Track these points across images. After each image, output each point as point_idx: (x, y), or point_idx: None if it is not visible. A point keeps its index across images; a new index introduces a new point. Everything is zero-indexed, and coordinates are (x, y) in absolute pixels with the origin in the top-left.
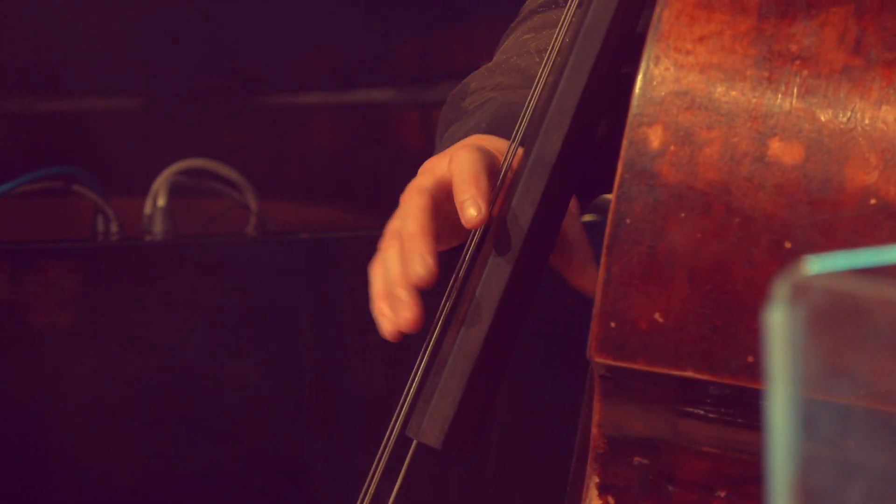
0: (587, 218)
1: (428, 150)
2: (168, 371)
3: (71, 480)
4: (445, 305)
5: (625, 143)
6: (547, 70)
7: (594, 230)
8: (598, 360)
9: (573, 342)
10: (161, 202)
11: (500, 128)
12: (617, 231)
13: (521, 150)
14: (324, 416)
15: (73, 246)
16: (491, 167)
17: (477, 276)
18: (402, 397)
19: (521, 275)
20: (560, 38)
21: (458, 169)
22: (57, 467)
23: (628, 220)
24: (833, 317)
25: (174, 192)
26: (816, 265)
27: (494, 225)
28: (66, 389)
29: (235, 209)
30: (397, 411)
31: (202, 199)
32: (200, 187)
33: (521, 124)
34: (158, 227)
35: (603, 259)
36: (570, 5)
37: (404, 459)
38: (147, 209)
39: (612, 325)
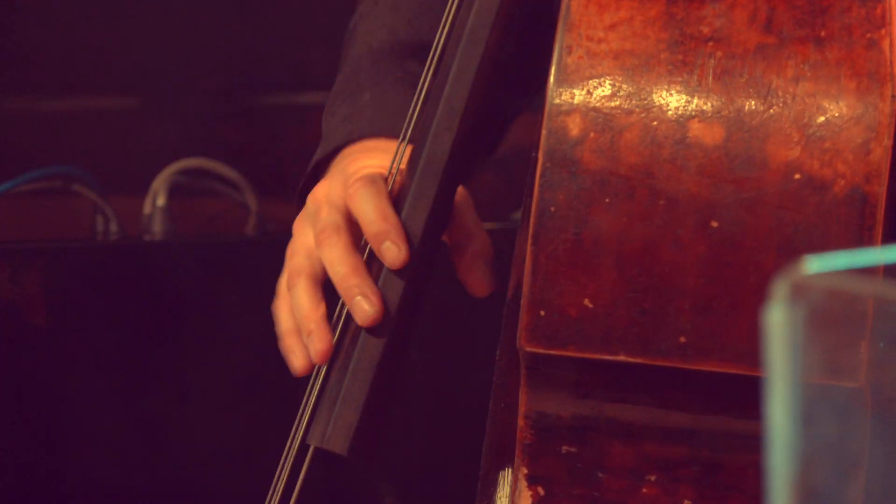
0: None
1: None
2: (168, 370)
3: (70, 480)
4: (343, 311)
5: (544, 132)
6: (432, 67)
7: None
8: (529, 349)
9: (475, 338)
10: (160, 202)
11: (375, 124)
12: (542, 220)
13: (408, 150)
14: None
15: (73, 245)
16: (386, 190)
17: (374, 280)
18: (302, 405)
19: (417, 275)
20: (443, 36)
21: (364, 212)
22: (56, 466)
23: (553, 209)
24: (831, 316)
25: (173, 191)
26: (815, 265)
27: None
28: (66, 389)
29: (235, 209)
30: (297, 419)
31: (201, 198)
32: (200, 187)
33: (408, 125)
34: (158, 227)
35: (529, 248)
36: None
37: (307, 467)
38: (146, 209)
39: (542, 313)
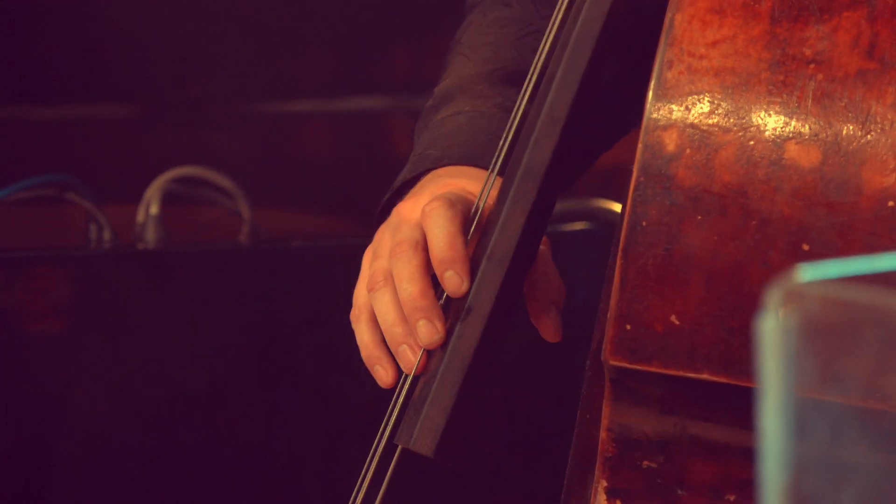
0: (580, 226)
1: None
2: (161, 378)
3: (65, 487)
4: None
5: (640, 146)
6: (531, 85)
7: (590, 238)
8: (613, 362)
9: (561, 346)
10: (154, 210)
11: (466, 152)
12: (633, 234)
13: (498, 180)
14: (317, 422)
15: (66, 253)
16: (464, 214)
17: (472, 276)
18: (391, 405)
19: (510, 282)
20: (545, 47)
21: (434, 235)
22: (50, 474)
23: (644, 223)
24: (826, 324)
25: (167, 199)
26: (809, 273)
27: (483, 234)
28: (60, 397)
29: (228, 217)
30: (385, 419)
31: (195, 206)
32: (193, 195)
33: (498, 155)
34: (151, 235)
35: (619, 262)
36: (557, 11)
37: (394, 467)
38: (140, 217)
39: (628, 327)
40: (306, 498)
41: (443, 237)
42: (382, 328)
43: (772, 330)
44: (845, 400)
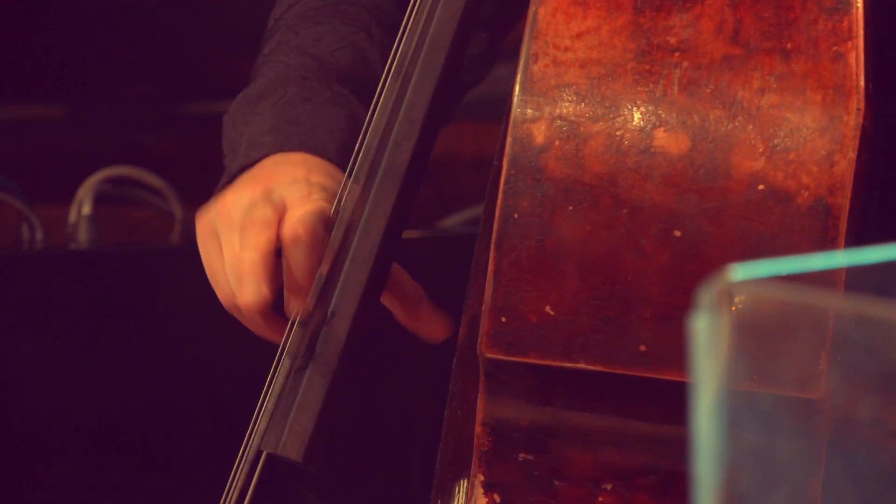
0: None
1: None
2: (94, 379)
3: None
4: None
5: (509, 139)
6: (388, 83)
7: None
8: (490, 355)
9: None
10: (86, 210)
11: (306, 140)
12: (505, 226)
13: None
14: (239, 417)
15: None
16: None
17: (330, 288)
18: (257, 411)
19: (374, 284)
20: (400, 49)
21: (296, 261)
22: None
23: (516, 215)
24: (757, 322)
25: (99, 200)
26: (740, 272)
27: (344, 238)
28: None
29: (160, 217)
30: (251, 425)
31: (127, 207)
32: (125, 195)
33: (354, 160)
34: (83, 235)
35: (492, 254)
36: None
37: (260, 473)
38: (72, 217)
39: (503, 319)
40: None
41: (303, 267)
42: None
43: (704, 328)
44: (777, 391)
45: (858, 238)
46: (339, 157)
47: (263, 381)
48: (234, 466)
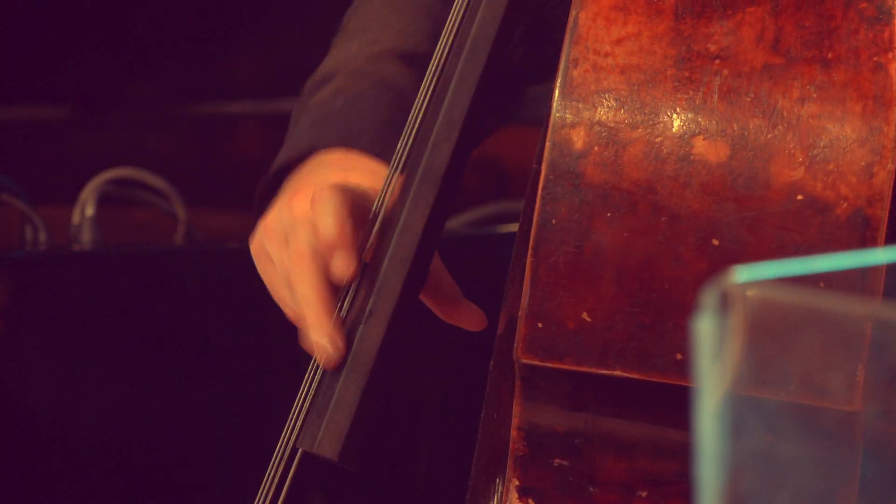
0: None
1: None
2: (97, 380)
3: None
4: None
5: (548, 144)
6: (431, 84)
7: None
8: (525, 361)
9: (466, 345)
10: (89, 211)
11: (346, 135)
12: (543, 232)
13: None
14: (253, 422)
15: (2, 255)
16: (354, 202)
17: (367, 288)
18: (294, 409)
19: (411, 284)
20: (443, 49)
21: (323, 220)
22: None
23: (554, 221)
24: (761, 324)
25: (102, 201)
26: (744, 274)
27: (382, 235)
28: None
29: (163, 218)
30: (289, 423)
31: (130, 208)
32: (128, 196)
33: (400, 153)
34: (86, 237)
35: (529, 259)
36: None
37: (300, 471)
38: (75, 218)
39: (539, 325)
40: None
41: (331, 222)
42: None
43: (708, 330)
44: (782, 397)
45: None
46: (380, 144)
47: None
48: (270, 464)
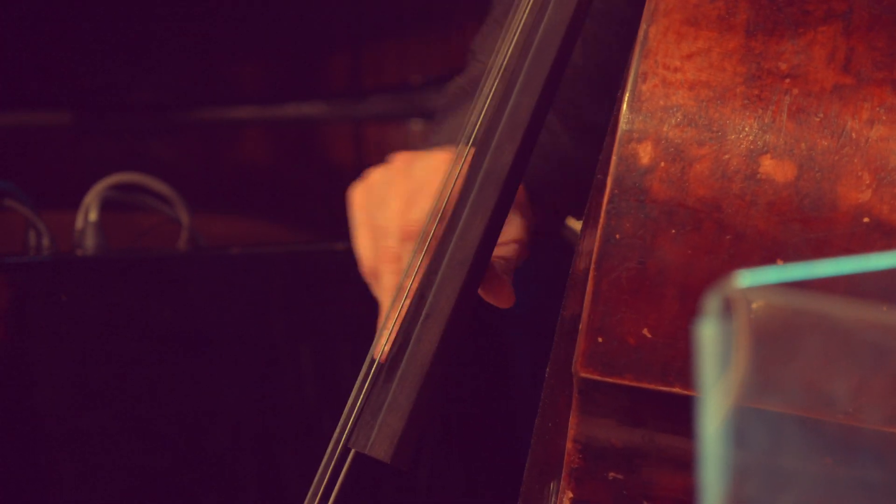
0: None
1: (359, 164)
2: (100, 384)
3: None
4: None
5: (614, 159)
6: (495, 80)
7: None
8: (585, 375)
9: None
10: (92, 216)
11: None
12: (606, 247)
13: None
14: (255, 426)
15: (5, 261)
16: None
17: (426, 288)
18: (347, 410)
19: (469, 287)
20: (504, 52)
21: (414, 218)
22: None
23: (618, 236)
24: (766, 330)
25: (105, 206)
26: (748, 279)
27: (443, 238)
28: None
29: (166, 223)
30: (341, 424)
31: (133, 213)
32: (131, 202)
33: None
34: (90, 242)
35: (591, 274)
36: (519, 12)
37: (341, 471)
38: (78, 224)
39: (600, 340)
40: None
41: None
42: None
43: (711, 337)
44: (785, 408)
45: None
46: None
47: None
48: (322, 465)
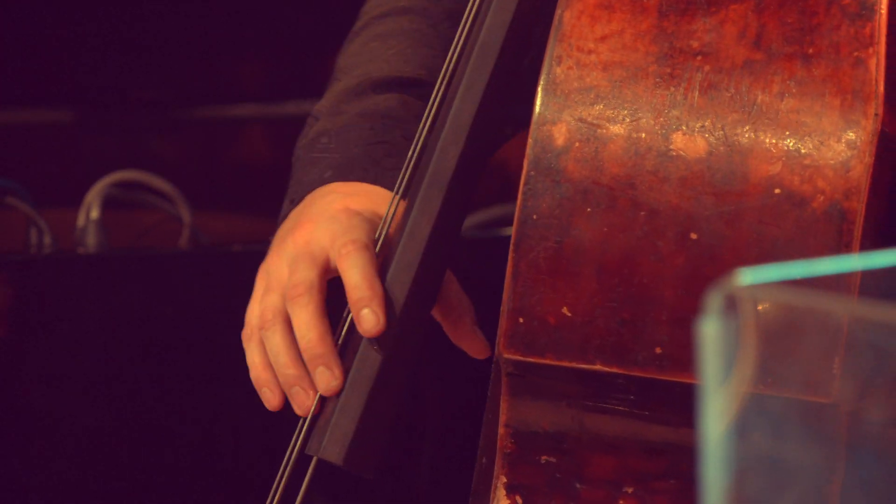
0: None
1: None
2: (103, 383)
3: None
4: (346, 323)
5: (530, 141)
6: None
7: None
8: (507, 356)
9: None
10: (94, 214)
11: (354, 170)
12: (524, 227)
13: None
14: (257, 425)
15: (6, 259)
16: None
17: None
18: (303, 417)
19: (419, 292)
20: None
21: (351, 276)
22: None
23: (535, 217)
24: (766, 327)
25: (107, 204)
26: (749, 277)
27: (389, 247)
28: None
29: (168, 221)
30: (298, 429)
31: (135, 211)
32: (133, 199)
33: (402, 178)
34: (91, 240)
35: (511, 255)
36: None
37: (302, 478)
38: (80, 221)
39: (521, 320)
40: None
41: (360, 277)
42: (274, 367)
43: (713, 332)
44: (790, 394)
45: (880, 246)
46: (374, 170)
47: None
48: (279, 472)
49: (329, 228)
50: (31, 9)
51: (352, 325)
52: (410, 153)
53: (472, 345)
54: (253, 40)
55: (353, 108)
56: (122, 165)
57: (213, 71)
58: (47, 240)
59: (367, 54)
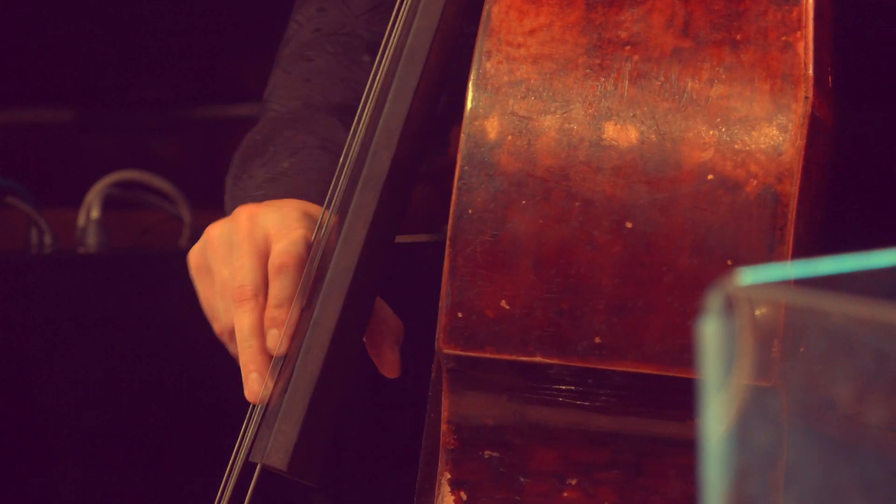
0: (424, 238)
1: None
2: (101, 383)
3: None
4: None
5: (462, 136)
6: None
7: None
8: (447, 351)
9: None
10: (94, 214)
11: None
12: (459, 222)
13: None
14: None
15: (7, 258)
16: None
17: (313, 299)
18: (245, 422)
19: (357, 296)
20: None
21: (276, 293)
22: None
23: (470, 211)
24: (767, 328)
25: (107, 203)
26: (749, 276)
27: (327, 248)
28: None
29: (169, 221)
30: (240, 436)
31: (135, 211)
32: (134, 199)
33: (332, 193)
34: (92, 240)
35: (447, 250)
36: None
37: (247, 486)
38: (80, 221)
39: (460, 315)
40: None
41: (282, 297)
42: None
43: (713, 333)
44: (788, 405)
45: (815, 230)
46: (323, 198)
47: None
48: (223, 480)
49: (277, 213)
50: (31, 9)
51: (296, 328)
52: (342, 161)
53: (386, 360)
54: (253, 40)
55: (308, 141)
56: (123, 165)
57: (213, 71)
58: (48, 240)
59: (297, 90)
